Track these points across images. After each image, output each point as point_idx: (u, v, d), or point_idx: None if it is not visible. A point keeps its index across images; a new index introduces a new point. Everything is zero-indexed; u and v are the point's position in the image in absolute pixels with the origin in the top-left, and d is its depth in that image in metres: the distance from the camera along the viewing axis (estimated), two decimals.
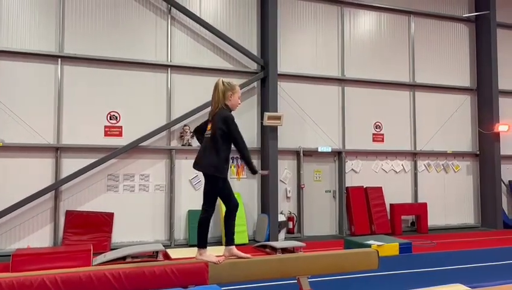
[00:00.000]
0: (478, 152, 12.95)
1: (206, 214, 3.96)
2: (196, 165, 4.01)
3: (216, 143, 3.88)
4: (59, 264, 6.56)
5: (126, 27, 9.87)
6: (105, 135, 9.57)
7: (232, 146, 3.98)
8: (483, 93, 12.83)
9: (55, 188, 9.03)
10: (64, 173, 9.13)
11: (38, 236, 8.98)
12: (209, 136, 3.95)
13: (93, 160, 9.21)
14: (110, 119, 9.64)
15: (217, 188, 3.95)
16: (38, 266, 6.54)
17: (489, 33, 12.67)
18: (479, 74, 13.00)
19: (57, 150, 9.18)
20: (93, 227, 9.10)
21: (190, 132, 9.99)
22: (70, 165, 9.15)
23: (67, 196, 9.23)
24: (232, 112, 4.06)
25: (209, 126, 4.01)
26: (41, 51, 9.17)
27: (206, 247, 3.92)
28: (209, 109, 9.64)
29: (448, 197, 12.59)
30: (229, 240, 3.98)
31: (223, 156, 3.91)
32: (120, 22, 9.83)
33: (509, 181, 13.23)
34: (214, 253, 3.95)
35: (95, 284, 3.38)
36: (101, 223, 9.20)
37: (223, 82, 4.01)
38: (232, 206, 4.03)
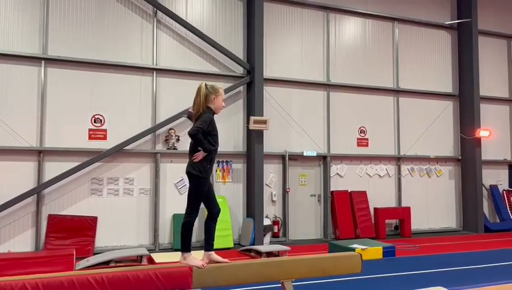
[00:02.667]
0: (460, 157, 13.18)
1: (189, 218, 3.97)
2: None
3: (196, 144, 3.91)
4: (41, 269, 6.45)
5: (111, 29, 9.81)
6: (89, 138, 9.48)
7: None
8: (465, 99, 13.08)
9: (38, 191, 8.90)
10: (47, 177, 9.01)
11: (20, 240, 8.83)
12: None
13: (76, 163, 9.11)
14: (95, 122, 9.56)
15: (199, 189, 3.94)
16: (19, 270, 6.43)
17: (471, 40, 12.94)
18: (461, 80, 13.26)
19: (40, 153, 9.05)
20: (76, 231, 8.99)
21: (176, 136, 9.96)
22: (53, 168, 9.03)
23: (50, 199, 9.10)
24: (217, 115, 4.10)
25: None
26: (25, 53, 9.05)
27: (190, 251, 3.91)
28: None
29: (431, 202, 12.78)
30: (209, 246, 3.99)
31: (206, 156, 3.91)
32: (105, 24, 9.77)
33: (490, 186, 13.49)
34: (198, 257, 3.94)
35: (78, 289, 3.35)
36: (84, 227, 9.09)
37: (206, 85, 4.06)
38: (215, 212, 4.04)
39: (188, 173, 3.98)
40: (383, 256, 8.53)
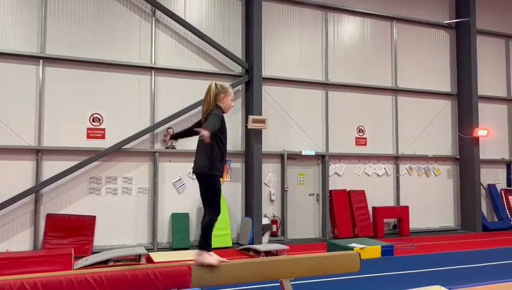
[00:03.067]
0: (458, 156, 13.20)
1: (211, 216, 3.91)
2: (193, 169, 4.02)
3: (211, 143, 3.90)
4: (39, 268, 6.45)
5: (109, 28, 9.79)
6: (87, 137, 9.47)
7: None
8: (464, 98, 13.10)
9: (36, 191, 8.89)
10: (45, 176, 8.99)
11: (18, 240, 8.82)
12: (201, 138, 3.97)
13: (75, 162, 9.09)
14: (93, 121, 9.54)
15: (215, 187, 3.93)
16: (17, 270, 6.42)
17: (469, 39, 12.96)
18: (460, 79, 13.28)
19: (38, 152, 9.04)
20: (75, 231, 8.98)
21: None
22: (52, 167, 9.02)
23: (48, 199, 9.09)
24: (224, 114, 4.12)
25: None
26: (23, 52, 9.03)
27: (211, 250, 3.90)
28: (194, 111, 9.57)
29: (429, 201, 12.79)
30: (207, 246, 3.99)
31: (217, 154, 3.92)
32: (103, 23, 9.75)
33: (488, 185, 13.51)
34: (191, 257, 3.92)
35: (76, 288, 3.34)
36: (83, 226, 9.08)
37: (215, 84, 4.07)
38: (217, 214, 4.04)
39: (200, 173, 3.93)
40: (381, 255, 8.54)
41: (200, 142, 4.01)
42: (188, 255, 7.44)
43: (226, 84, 4.24)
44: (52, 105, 9.22)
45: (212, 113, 3.94)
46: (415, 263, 7.99)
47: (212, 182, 3.92)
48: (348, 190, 11.72)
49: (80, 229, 9.04)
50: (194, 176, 4.13)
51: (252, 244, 9.62)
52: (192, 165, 4.04)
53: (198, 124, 4.12)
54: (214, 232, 4.08)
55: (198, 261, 3.81)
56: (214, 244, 4.10)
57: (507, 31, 14.05)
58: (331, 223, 11.48)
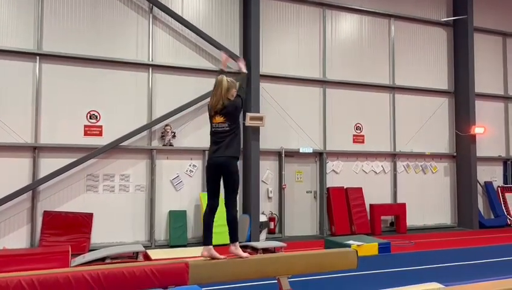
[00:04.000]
0: (455, 154, 13.24)
1: (234, 209, 4.12)
2: (219, 155, 4.07)
3: (235, 131, 4.07)
4: (36, 265, 6.44)
5: (107, 25, 9.76)
6: (84, 135, 9.44)
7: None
8: (461, 96, 13.12)
9: (33, 188, 8.86)
10: (42, 173, 8.97)
11: (15, 237, 8.80)
12: (226, 128, 4.03)
13: (72, 160, 9.07)
14: (90, 118, 9.52)
15: (238, 175, 4.13)
16: (14, 267, 6.41)
17: (466, 37, 12.97)
18: (457, 77, 13.29)
19: (35, 150, 9.01)
20: (72, 228, 8.97)
21: (171, 132, 9.93)
22: (49, 164, 8.99)
23: (45, 196, 9.07)
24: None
25: (217, 119, 4.05)
26: (19, 49, 8.99)
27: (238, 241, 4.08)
28: (192, 108, 9.53)
29: (426, 198, 12.83)
30: (208, 242, 4.01)
31: (239, 140, 4.18)
32: (100, 19, 9.71)
33: (484, 182, 13.55)
34: (192, 254, 3.94)
35: (73, 285, 3.34)
36: (80, 223, 9.07)
37: (227, 79, 4.10)
38: (216, 206, 4.10)
39: (228, 157, 4.03)
40: (378, 252, 8.56)
41: (225, 132, 4.05)
42: (186, 253, 7.45)
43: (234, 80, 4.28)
44: (49, 102, 9.19)
45: (237, 106, 4.10)
46: (412, 260, 8.02)
47: (236, 165, 4.09)
48: (345, 187, 11.74)
49: (77, 226, 9.03)
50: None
51: (250, 241, 9.63)
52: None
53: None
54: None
55: (236, 253, 4.00)
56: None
57: (504, 29, 14.07)
58: (328, 220, 11.50)
